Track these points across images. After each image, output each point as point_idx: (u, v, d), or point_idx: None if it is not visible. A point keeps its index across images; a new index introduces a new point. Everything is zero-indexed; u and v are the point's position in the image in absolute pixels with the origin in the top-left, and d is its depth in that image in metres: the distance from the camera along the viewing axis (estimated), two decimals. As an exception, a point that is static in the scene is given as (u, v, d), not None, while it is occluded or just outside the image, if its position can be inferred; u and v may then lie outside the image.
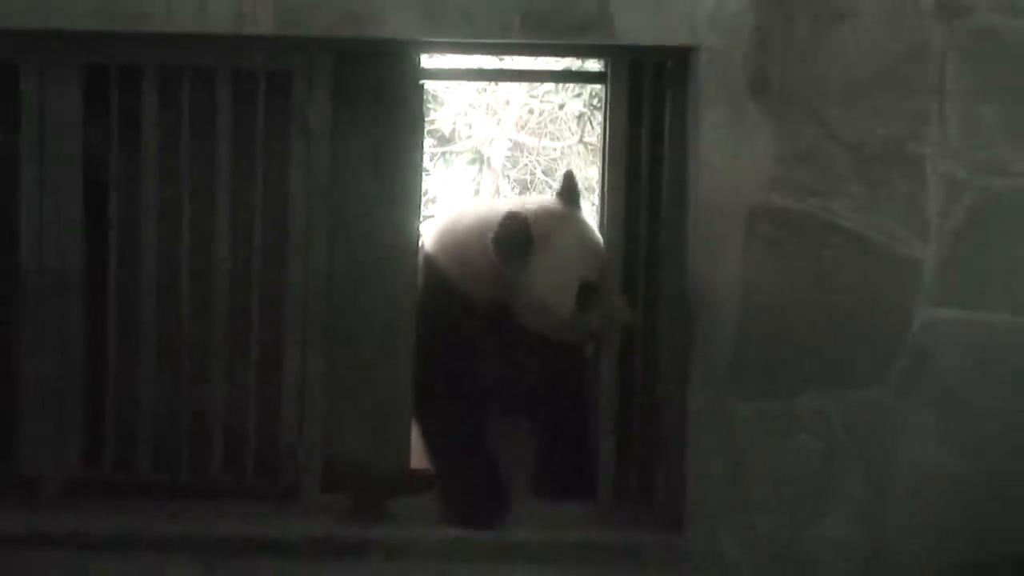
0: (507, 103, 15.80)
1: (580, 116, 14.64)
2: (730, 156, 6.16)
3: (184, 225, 6.38)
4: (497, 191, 13.84)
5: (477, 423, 6.69)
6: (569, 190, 6.71)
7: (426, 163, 7.19)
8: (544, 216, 6.53)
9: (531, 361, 6.74)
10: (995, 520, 6.28)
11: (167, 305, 6.40)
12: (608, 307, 6.36)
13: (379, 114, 6.43)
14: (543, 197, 7.11)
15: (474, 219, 6.68)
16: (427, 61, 6.62)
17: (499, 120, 15.79)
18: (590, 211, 7.76)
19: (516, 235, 6.39)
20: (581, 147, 15.23)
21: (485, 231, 6.49)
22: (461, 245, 6.71)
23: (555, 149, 15.87)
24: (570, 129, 15.37)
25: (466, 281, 6.64)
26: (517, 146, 16.03)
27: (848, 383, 6.25)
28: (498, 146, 15.87)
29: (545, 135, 16.00)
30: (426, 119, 7.10)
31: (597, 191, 6.83)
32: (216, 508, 6.40)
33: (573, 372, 6.86)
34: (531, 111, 16.00)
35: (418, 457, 6.70)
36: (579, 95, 14.13)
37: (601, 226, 6.61)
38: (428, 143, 9.11)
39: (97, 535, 6.21)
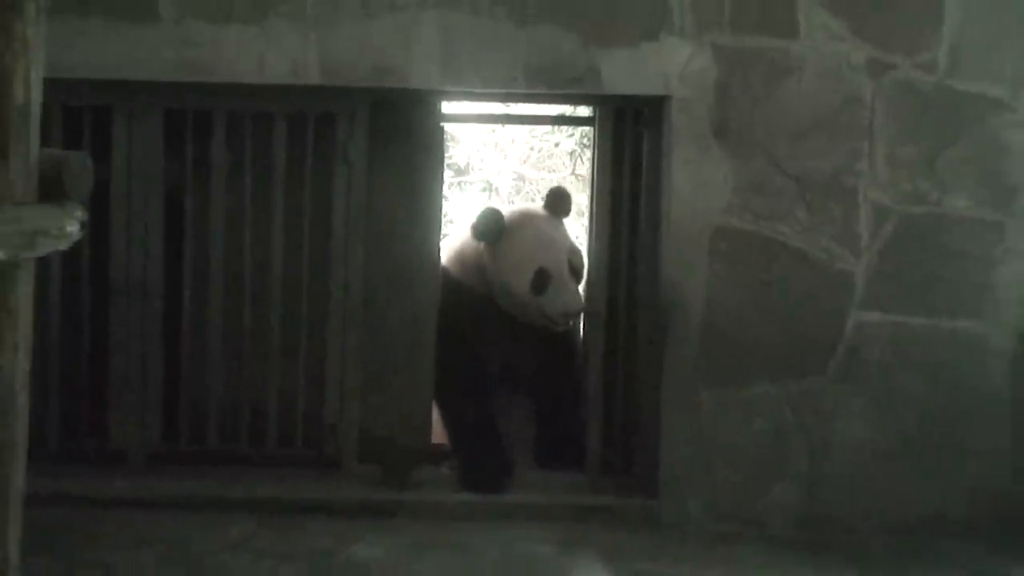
0: (512, 141, 15.76)
1: (572, 152, 14.58)
2: (696, 186, 6.21)
3: (246, 241, 6.44)
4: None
5: (485, 402, 6.69)
6: (553, 200, 6.78)
7: (445, 191, 7.17)
8: (518, 214, 6.69)
9: (526, 344, 6.74)
10: (916, 487, 6.33)
11: (231, 307, 6.45)
12: (558, 292, 6.42)
13: (408, 150, 6.47)
14: (530, 204, 7.08)
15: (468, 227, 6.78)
16: (447, 107, 6.62)
17: (505, 155, 15.76)
18: (576, 220, 7.82)
19: (489, 223, 6.54)
20: (573, 178, 15.18)
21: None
22: (460, 247, 6.81)
23: (551, 180, 15.82)
24: (564, 163, 15.30)
25: (464, 274, 6.74)
26: (520, 177, 15.97)
27: (794, 374, 6.30)
28: (504, 177, 15.84)
29: (543, 168, 15.93)
30: (446, 154, 7.11)
31: (586, 215, 6.77)
32: (270, 475, 6.43)
33: (565, 354, 6.86)
34: (532, 148, 15.93)
35: (438, 434, 6.72)
36: (572, 135, 14.06)
37: (589, 243, 6.58)
38: (447, 174, 9.09)
39: (173, 497, 6.24)
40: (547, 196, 6.81)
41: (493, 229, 6.56)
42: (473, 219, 6.62)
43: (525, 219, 6.64)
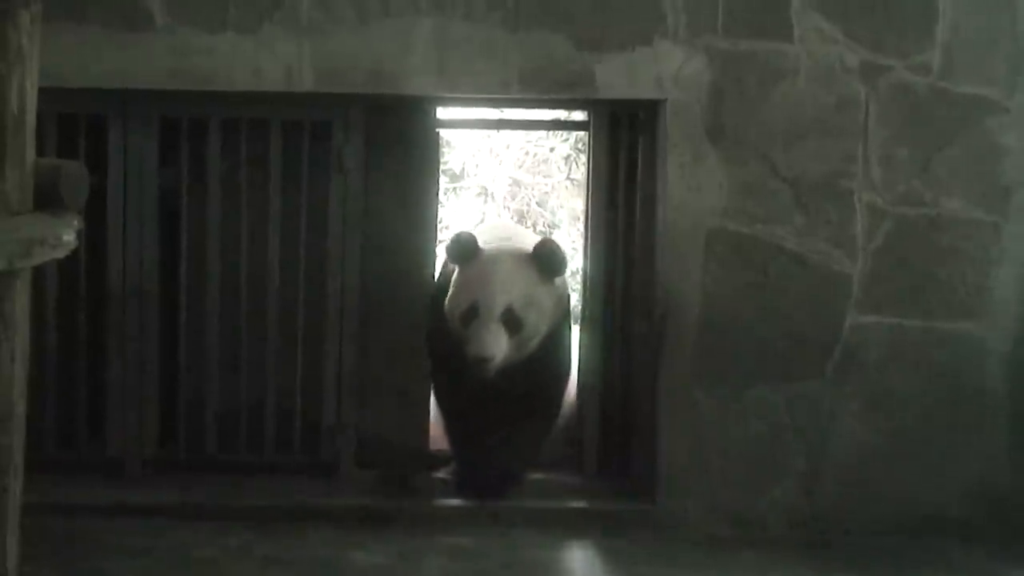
0: (507, 147, 15.78)
1: (567, 157, 14.60)
2: (691, 189, 6.21)
3: (242, 247, 6.44)
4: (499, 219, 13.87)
5: (476, 411, 6.57)
6: (541, 256, 6.36)
7: (441, 196, 7.17)
8: (494, 247, 6.39)
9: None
10: (913, 488, 6.33)
11: (228, 314, 6.46)
12: (476, 332, 6.15)
13: (403, 156, 6.50)
14: (522, 241, 6.65)
15: None
16: (442, 113, 6.65)
17: (501, 161, 15.78)
18: (572, 225, 7.74)
19: (458, 247, 6.33)
20: (568, 183, 15.21)
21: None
22: (444, 269, 6.72)
23: (547, 185, 15.84)
24: (559, 168, 15.32)
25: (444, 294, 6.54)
26: (515, 182, 15.99)
27: (791, 376, 6.30)
28: (500, 182, 15.87)
29: (538, 173, 15.95)
30: (441, 160, 7.12)
31: (582, 219, 6.78)
32: (269, 481, 6.42)
33: (530, 386, 6.50)
34: (527, 153, 15.95)
35: (438, 439, 6.73)
36: (566, 140, 14.08)
37: (585, 247, 6.60)
38: (442, 180, 9.10)
39: (171, 506, 6.22)
40: (538, 247, 6.44)
41: (461, 254, 6.35)
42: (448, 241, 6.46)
43: (492, 254, 6.36)
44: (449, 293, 6.34)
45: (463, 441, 6.63)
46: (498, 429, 6.47)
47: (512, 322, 6.17)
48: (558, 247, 6.38)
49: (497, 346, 6.13)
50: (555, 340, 6.51)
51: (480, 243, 6.39)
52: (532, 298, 6.26)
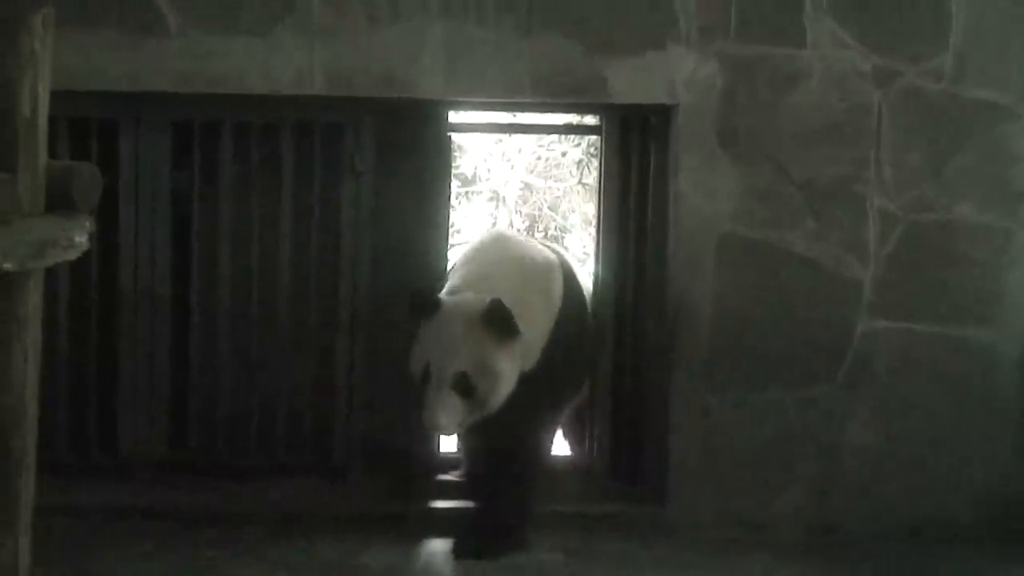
0: (519, 151, 15.79)
1: (579, 162, 14.61)
2: (703, 194, 6.23)
3: (253, 251, 6.45)
4: (510, 224, 13.88)
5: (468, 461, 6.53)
6: (491, 321, 5.81)
7: (453, 200, 7.15)
8: (452, 304, 5.95)
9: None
10: (925, 494, 6.34)
11: (239, 316, 6.46)
12: (425, 399, 5.82)
13: (415, 160, 6.48)
14: (500, 283, 6.02)
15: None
16: (454, 117, 6.61)
17: (512, 165, 15.80)
18: (584, 230, 7.64)
19: (418, 302, 5.95)
20: (580, 187, 15.22)
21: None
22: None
23: (558, 189, 15.87)
24: (571, 172, 15.35)
25: None
26: (527, 187, 16.01)
27: (803, 381, 6.31)
28: (511, 187, 15.89)
29: (550, 177, 15.97)
30: (453, 164, 7.11)
31: (594, 223, 6.78)
32: (279, 484, 6.42)
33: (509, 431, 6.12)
34: (539, 158, 15.97)
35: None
36: (578, 144, 14.09)
37: (597, 252, 6.61)
38: (454, 184, 9.09)
39: (182, 507, 6.24)
40: (489, 309, 5.86)
41: (420, 308, 5.96)
42: (413, 291, 6.08)
43: (449, 310, 5.91)
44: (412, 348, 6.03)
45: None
46: (481, 482, 6.30)
47: (465, 389, 5.80)
48: (506, 312, 5.78)
49: (447, 415, 5.80)
50: (544, 375, 6.09)
51: (444, 293, 6.06)
52: (487, 362, 5.84)
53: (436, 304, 5.92)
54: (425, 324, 5.93)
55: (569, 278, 6.36)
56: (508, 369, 5.89)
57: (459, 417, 5.83)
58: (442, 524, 6.29)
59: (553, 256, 6.42)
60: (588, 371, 6.55)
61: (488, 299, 5.83)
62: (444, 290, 6.10)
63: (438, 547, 6.12)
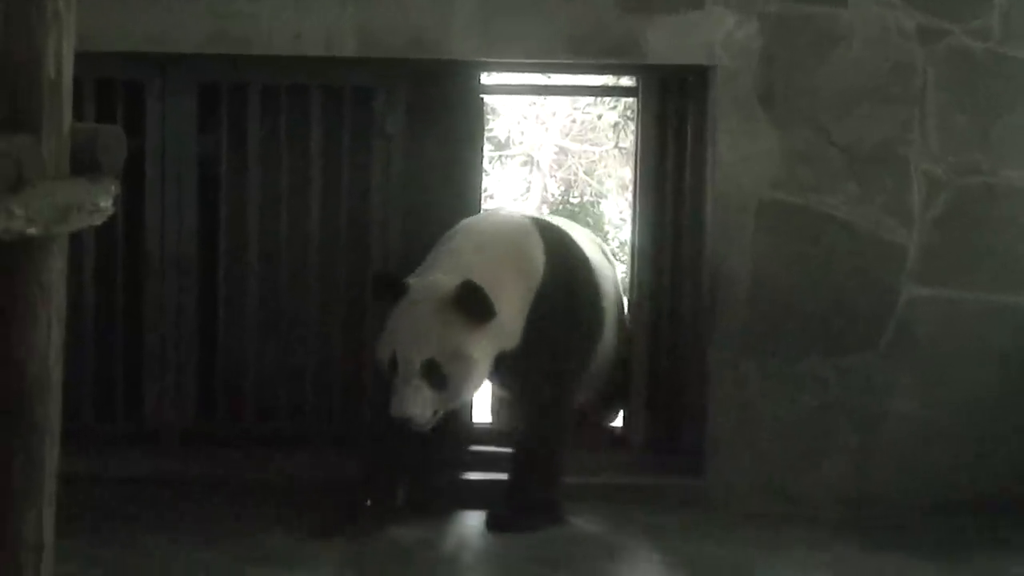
0: (554, 114, 15.81)
1: (615, 125, 14.62)
2: (742, 158, 6.21)
3: (282, 215, 6.46)
4: (545, 189, 13.89)
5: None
6: (462, 302, 5.65)
7: (485, 165, 7.13)
8: (420, 287, 5.77)
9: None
10: (968, 466, 6.32)
11: (267, 282, 6.48)
12: (395, 391, 5.67)
13: (447, 123, 6.48)
14: (450, 277, 5.79)
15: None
16: (486, 78, 6.64)
17: (547, 128, 15.82)
18: (620, 195, 7.62)
19: (380, 287, 5.86)
20: (616, 151, 15.24)
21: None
22: None
23: (594, 153, 15.88)
24: (607, 136, 15.35)
25: None
26: (562, 151, 16.03)
27: (843, 349, 6.29)
28: (546, 151, 15.90)
29: (586, 141, 15.99)
30: (485, 127, 7.13)
31: (630, 188, 6.77)
32: (308, 452, 6.42)
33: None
34: (574, 121, 15.98)
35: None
36: (614, 107, 14.09)
37: (633, 217, 6.60)
38: (487, 148, 9.07)
39: (208, 477, 6.24)
40: (461, 290, 5.69)
41: (383, 294, 5.85)
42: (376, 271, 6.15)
43: (417, 295, 5.75)
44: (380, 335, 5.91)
45: None
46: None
47: (435, 377, 5.64)
48: (480, 292, 5.65)
49: (417, 406, 5.62)
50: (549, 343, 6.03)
51: (411, 277, 5.88)
52: (458, 347, 5.68)
53: (403, 288, 5.77)
54: (393, 309, 5.79)
55: (555, 245, 6.20)
56: (482, 353, 5.74)
57: (430, 407, 5.65)
58: (477, 495, 6.28)
59: (529, 225, 6.24)
60: (592, 336, 6.38)
61: (458, 280, 5.68)
62: (414, 273, 5.95)
63: (471, 520, 6.10)
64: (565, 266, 6.17)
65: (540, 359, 5.98)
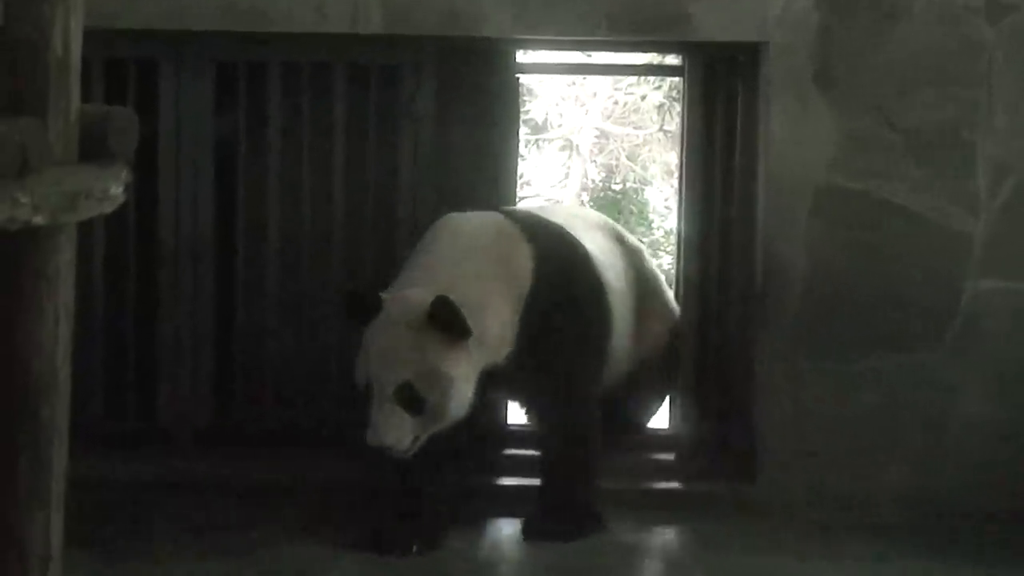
0: (594, 95, 15.80)
1: (660, 106, 14.61)
2: (796, 141, 6.19)
3: (304, 201, 6.47)
4: (585, 175, 13.88)
5: None
6: (438, 319, 5.53)
7: (521, 149, 7.15)
8: (394, 304, 5.67)
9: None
10: (1039, 471, 6.29)
11: (288, 272, 6.50)
12: (369, 417, 5.58)
13: (479, 105, 6.50)
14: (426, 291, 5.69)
15: None
16: (522, 57, 6.65)
17: (587, 110, 15.81)
18: (665, 181, 7.63)
19: (351, 306, 5.73)
20: (661, 135, 15.22)
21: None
22: None
23: (638, 136, 15.88)
24: (651, 118, 15.35)
25: None
26: (603, 134, 16.02)
27: (906, 346, 6.27)
28: (586, 134, 15.90)
29: (629, 124, 15.98)
30: (521, 109, 7.14)
31: (676, 174, 6.77)
32: (331, 456, 6.37)
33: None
34: (616, 102, 15.97)
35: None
36: (659, 87, 14.09)
37: (680, 204, 6.59)
38: (523, 131, 9.09)
39: (225, 481, 6.26)
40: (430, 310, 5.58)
41: (354, 313, 5.74)
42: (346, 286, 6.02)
43: (389, 314, 5.66)
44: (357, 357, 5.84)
45: None
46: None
47: (411, 401, 5.54)
48: (453, 309, 5.52)
49: (393, 433, 5.52)
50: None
51: (386, 292, 5.78)
52: (435, 368, 5.57)
53: (377, 304, 5.69)
54: (367, 329, 5.70)
55: (545, 246, 6.08)
56: (463, 372, 5.64)
57: (409, 433, 5.56)
58: (513, 499, 6.28)
59: (510, 228, 6.09)
60: (603, 333, 6.29)
61: (433, 296, 5.58)
62: (391, 287, 5.88)
63: (506, 528, 6.11)
64: (559, 266, 6.09)
65: (545, 365, 5.96)
